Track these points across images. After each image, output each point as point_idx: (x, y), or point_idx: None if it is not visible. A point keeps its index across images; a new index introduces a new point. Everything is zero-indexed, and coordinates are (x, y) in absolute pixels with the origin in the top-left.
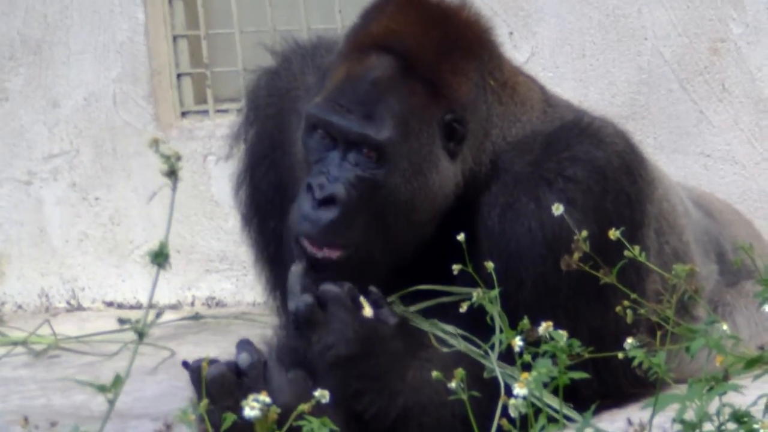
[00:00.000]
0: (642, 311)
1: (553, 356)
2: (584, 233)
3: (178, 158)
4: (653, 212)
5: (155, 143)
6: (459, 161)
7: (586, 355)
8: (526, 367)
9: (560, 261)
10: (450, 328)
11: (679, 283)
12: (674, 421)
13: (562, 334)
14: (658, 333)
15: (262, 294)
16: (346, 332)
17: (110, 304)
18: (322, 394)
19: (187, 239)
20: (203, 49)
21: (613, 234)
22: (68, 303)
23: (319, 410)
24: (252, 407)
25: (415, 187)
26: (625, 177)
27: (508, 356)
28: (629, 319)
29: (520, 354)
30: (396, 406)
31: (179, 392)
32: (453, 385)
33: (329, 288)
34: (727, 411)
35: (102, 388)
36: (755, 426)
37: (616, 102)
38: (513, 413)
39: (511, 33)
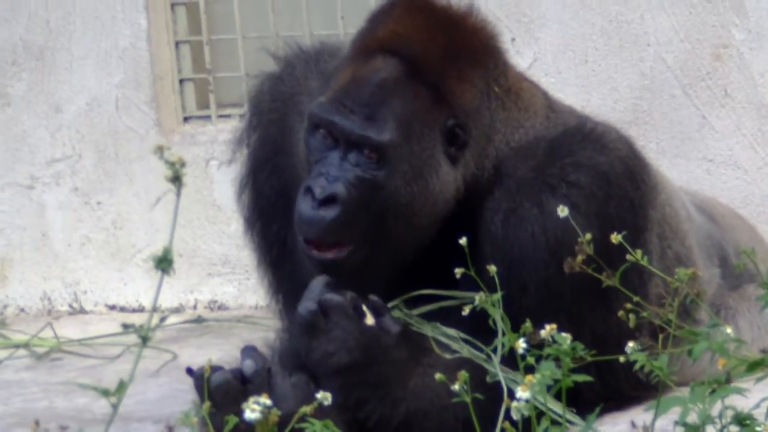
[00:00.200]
0: (645, 314)
1: (556, 359)
2: (588, 237)
3: (183, 164)
4: (656, 217)
5: (160, 150)
6: (460, 166)
7: (589, 359)
8: (529, 371)
9: (563, 265)
10: (452, 331)
11: (681, 287)
12: (677, 423)
13: (566, 338)
14: (661, 336)
15: (265, 297)
16: (348, 341)
17: (113, 308)
18: (324, 396)
19: (190, 243)
20: (206, 55)
21: (616, 238)
22: (71, 306)
23: (321, 413)
24: (253, 410)
25: (415, 191)
26: (628, 182)
27: (510, 360)
28: (632, 322)
29: (523, 357)
30: (398, 413)
31: (181, 395)
32: (456, 387)
33: (331, 296)
34: (730, 414)
35: (105, 392)
36: (758, 429)
37: (618, 107)
38: (516, 416)
39: (513, 39)
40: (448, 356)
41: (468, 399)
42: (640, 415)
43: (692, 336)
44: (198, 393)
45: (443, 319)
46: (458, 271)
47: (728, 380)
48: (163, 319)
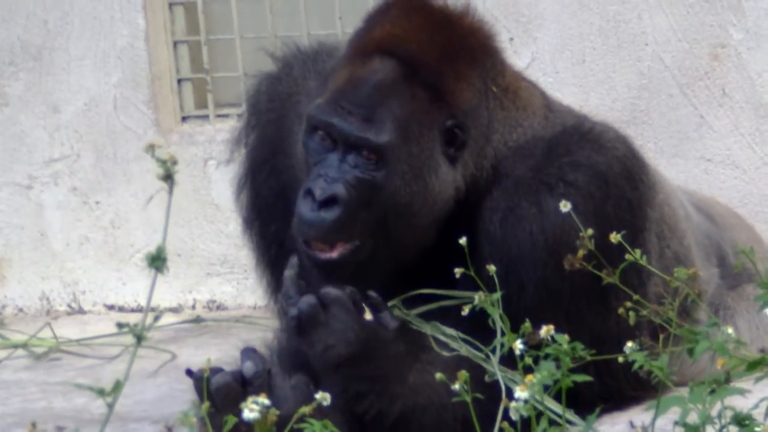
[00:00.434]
0: (644, 312)
1: (555, 359)
2: (589, 232)
3: (174, 162)
4: (654, 217)
5: (151, 148)
6: (459, 166)
7: (589, 358)
8: (528, 371)
9: (561, 265)
10: (451, 331)
11: (680, 287)
12: (676, 424)
13: (565, 337)
14: (660, 336)
15: (263, 297)
16: (347, 333)
17: (111, 308)
18: (323, 397)
19: (188, 243)
20: (204, 55)
21: (614, 237)
22: (69, 306)
23: (320, 413)
24: (251, 409)
25: (414, 191)
26: (626, 182)
27: (509, 359)
28: (632, 321)
29: (522, 357)
30: (396, 409)
31: (180, 395)
32: (455, 387)
33: (331, 290)
34: (729, 414)
35: (101, 392)
36: (757, 429)
37: (616, 107)
38: (514, 416)
39: (511, 38)
40: (446, 354)
41: (468, 398)
42: (640, 415)
43: (692, 336)
44: (198, 395)
45: (442, 319)
46: (458, 271)
47: (728, 380)
48: (157, 318)
